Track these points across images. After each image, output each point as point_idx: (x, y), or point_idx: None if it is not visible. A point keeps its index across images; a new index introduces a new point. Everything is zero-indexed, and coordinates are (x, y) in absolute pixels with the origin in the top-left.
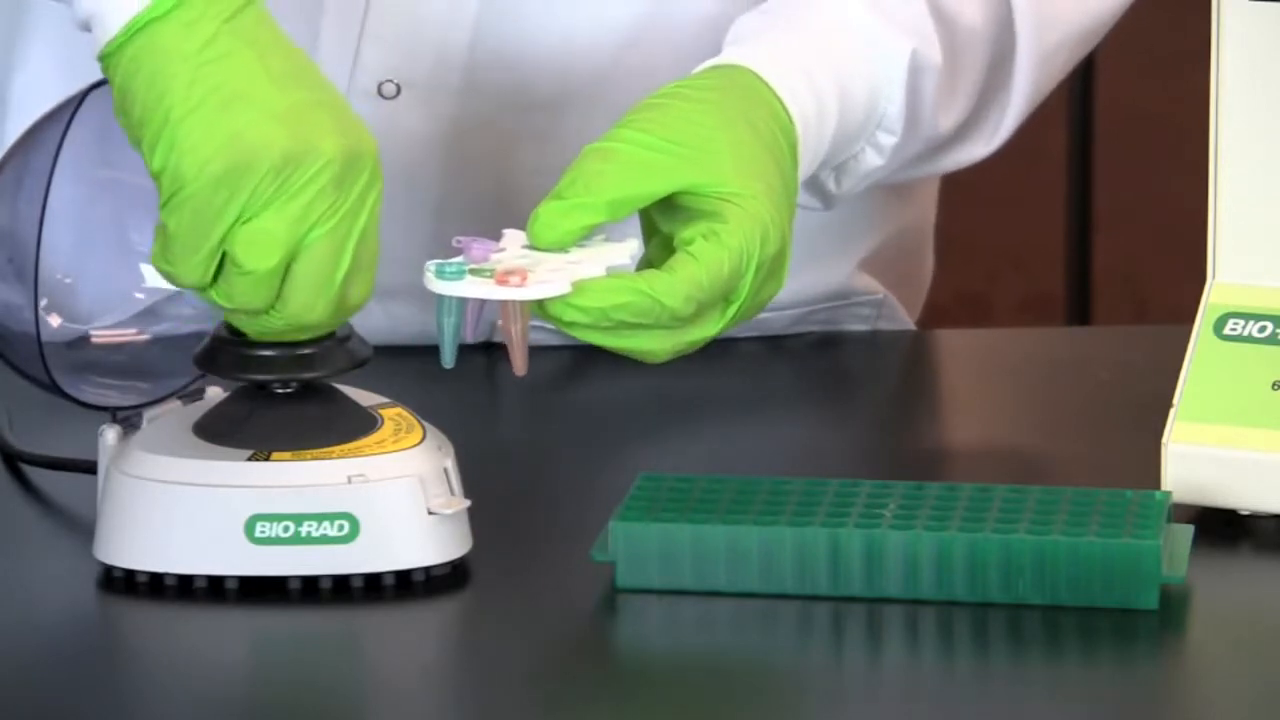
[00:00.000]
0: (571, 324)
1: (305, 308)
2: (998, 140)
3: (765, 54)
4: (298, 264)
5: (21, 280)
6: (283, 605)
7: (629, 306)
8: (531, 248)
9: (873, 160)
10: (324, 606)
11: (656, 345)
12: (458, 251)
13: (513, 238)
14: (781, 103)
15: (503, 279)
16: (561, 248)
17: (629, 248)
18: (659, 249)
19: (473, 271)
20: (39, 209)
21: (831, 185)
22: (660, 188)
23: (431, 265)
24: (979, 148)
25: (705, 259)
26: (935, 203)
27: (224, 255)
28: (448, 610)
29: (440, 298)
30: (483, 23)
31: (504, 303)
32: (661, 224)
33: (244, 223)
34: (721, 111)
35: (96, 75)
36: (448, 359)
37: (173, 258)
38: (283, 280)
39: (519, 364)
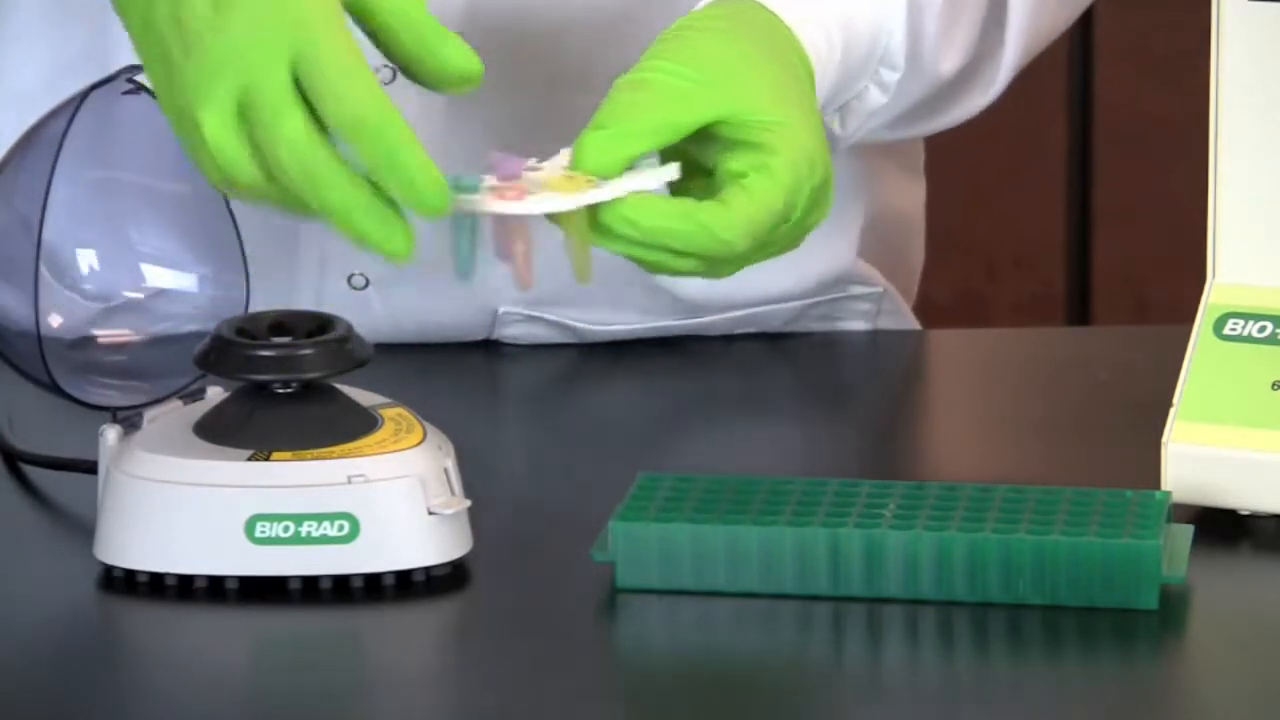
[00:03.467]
0: (621, 236)
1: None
2: (995, 89)
3: None
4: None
5: (21, 280)
6: (283, 605)
7: (681, 234)
8: (571, 171)
9: (876, 98)
10: (324, 606)
11: (688, 269)
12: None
13: (558, 159)
14: (795, 36)
15: (500, 194)
16: (605, 177)
17: (665, 172)
18: (691, 179)
19: (490, 188)
20: (39, 209)
21: (836, 126)
22: (698, 116)
23: (450, 177)
24: (977, 98)
25: (760, 194)
26: (924, 187)
27: None
28: (448, 610)
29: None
30: (475, 5)
31: (496, 217)
32: (698, 155)
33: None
34: (744, 42)
35: (86, 78)
36: (461, 266)
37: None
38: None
39: (524, 278)
